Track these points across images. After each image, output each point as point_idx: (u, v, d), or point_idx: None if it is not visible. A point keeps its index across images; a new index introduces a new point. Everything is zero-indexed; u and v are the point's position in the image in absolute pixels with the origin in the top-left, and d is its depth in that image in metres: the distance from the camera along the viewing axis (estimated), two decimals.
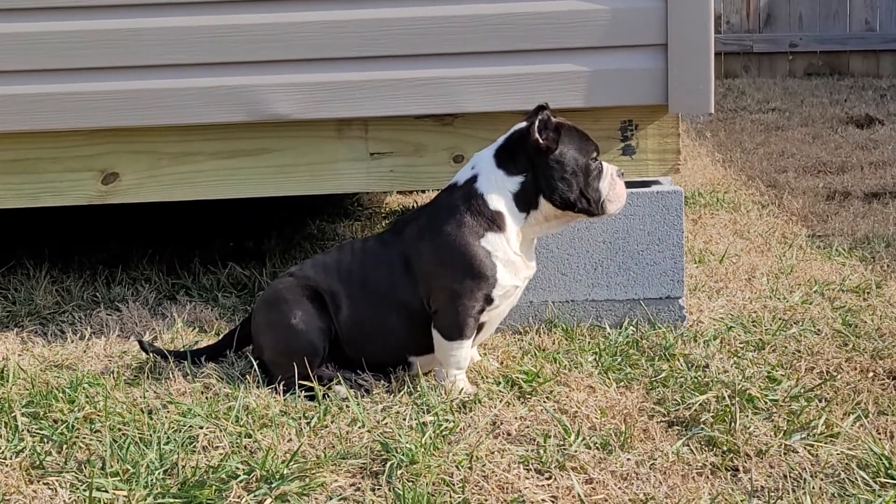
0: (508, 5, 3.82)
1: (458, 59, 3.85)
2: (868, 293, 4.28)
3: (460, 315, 3.34)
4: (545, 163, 3.35)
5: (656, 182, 4.03)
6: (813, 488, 2.76)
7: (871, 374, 3.47)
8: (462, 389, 3.36)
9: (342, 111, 3.89)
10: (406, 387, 3.40)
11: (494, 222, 3.36)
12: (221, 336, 3.71)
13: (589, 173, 3.37)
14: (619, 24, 3.82)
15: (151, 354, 3.61)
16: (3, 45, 3.81)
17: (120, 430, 3.11)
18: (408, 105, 3.88)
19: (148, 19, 3.80)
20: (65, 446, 3.03)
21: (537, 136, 3.33)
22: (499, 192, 3.38)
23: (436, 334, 3.38)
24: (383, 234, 3.57)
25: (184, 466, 2.89)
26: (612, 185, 3.40)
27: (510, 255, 3.37)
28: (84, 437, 3.07)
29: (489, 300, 3.36)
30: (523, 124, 3.39)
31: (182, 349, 3.70)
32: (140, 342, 3.62)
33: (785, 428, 3.08)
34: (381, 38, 3.83)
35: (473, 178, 3.41)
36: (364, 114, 3.90)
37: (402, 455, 2.90)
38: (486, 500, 2.75)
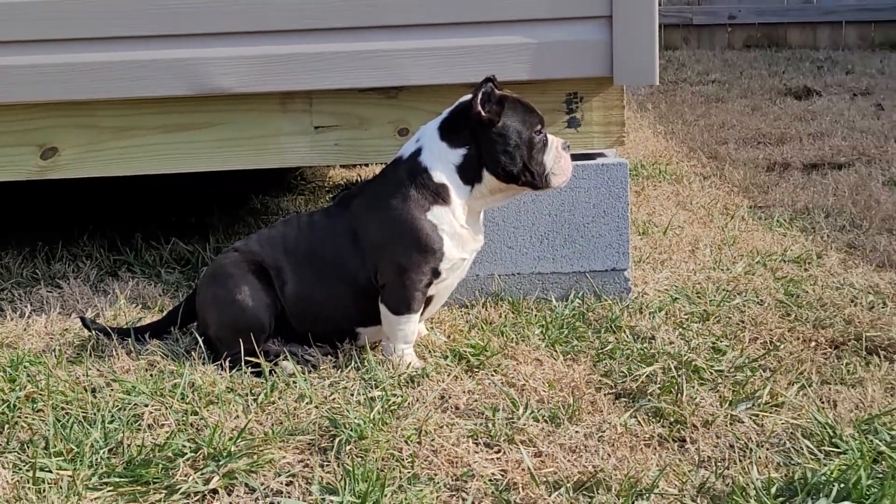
0: None
1: (404, 32, 3.82)
2: (809, 264, 4.33)
3: (408, 289, 3.33)
4: (488, 135, 3.34)
5: (601, 154, 4.04)
6: (759, 457, 2.78)
7: (813, 344, 3.51)
8: (410, 364, 3.35)
9: (286, 84, 3.84)
10: (353, 362, 3.38)
11: (439, 195, 3.34)
12: (166, 313, 3.66)
13: (533, 146, 3.36)
14: None
15: (94, 332, 3.56)
16: None
17: (63, 409, 3.06)
18: (352, 78, 3.84)
19: None
20: (6, 426, 2.98)
21: (479, 108, 3.31)
22: (443, 164, 3.36)
23: (383, 309, 3.37)
24: (330, 208, 3.54)
25: (129, 445, 2.85)
26: (557, 159, 3.39)
27: (456, 227, 3.36)
28: (26, 417, 3.02)
29: (436, 273, 3.35)
30: (468, 97, 3.38)
31: (125, 326, 3.66)
32: (82, 319, 3.57)
33: (730, 398, 3.11)
34: (325, 10, 3.79)
35: (418, 152, 3.39)
36: (308, 87, 3.86)
37: (351, 431, 2.88)
38: (435, 475, 2.75)
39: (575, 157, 3.84)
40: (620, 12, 3.80)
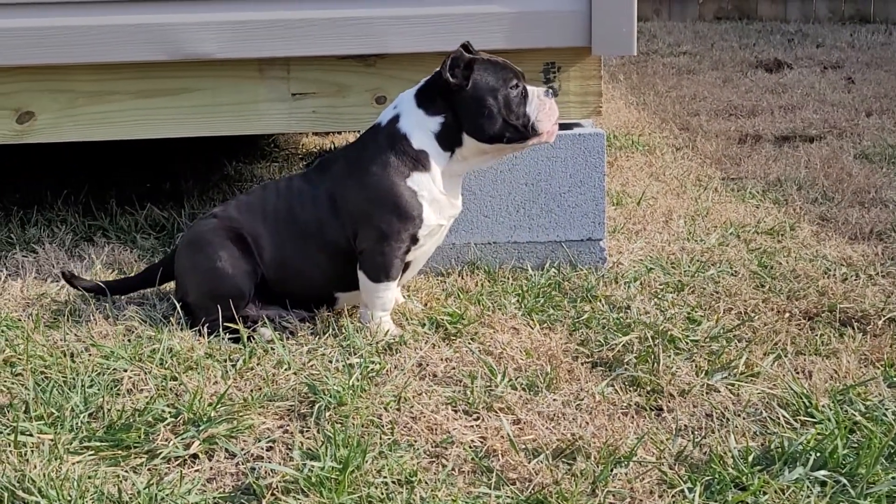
0: None
1: None
2: (782, 235, 4.36)
3: (386, 256, 3.33)
4: (462, 100, 3.33)
5: (578, 124, 4.05)
6: (736, 427, 2.82)
7: (787, 315, 3.55)
8: (388, 331, 3.36)
9: (264, 51, 3.83)
10: (331, 329, 3.39)
11: (419, 161, 3.35)
12: (143, 270, 3.66)
13: (510, 102, 3.34)
14: None
15: (77, 288, 3.56)
16: None
17: (42, 373, 3.06)
18: (330, 45, 3.83)
19: None
20: None
21: (447, 75, 3.31)
22: (421, 131, 3.37)
23: (362, 276, 3.38)
24: (308, 173, 3.54)
25: (109, 410, 2.85)
26: (540, 107, 3.37)
27: (435, 193, 3.37)
28: (5, 381, 3.02)
29: (415, 240, 3.36)
30: (437, 70, 3.37)
31: (99, 282, 3.64)
32: (63, 273, 3.58)
33: (706, 368, 3.14)
34: None
35: (396, 118, 3.39)
36: (286, 53, 3.85)
37: (330, 397, 2.90)
38: (415, 441, 2.76)
39: None
40: None
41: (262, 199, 3.48)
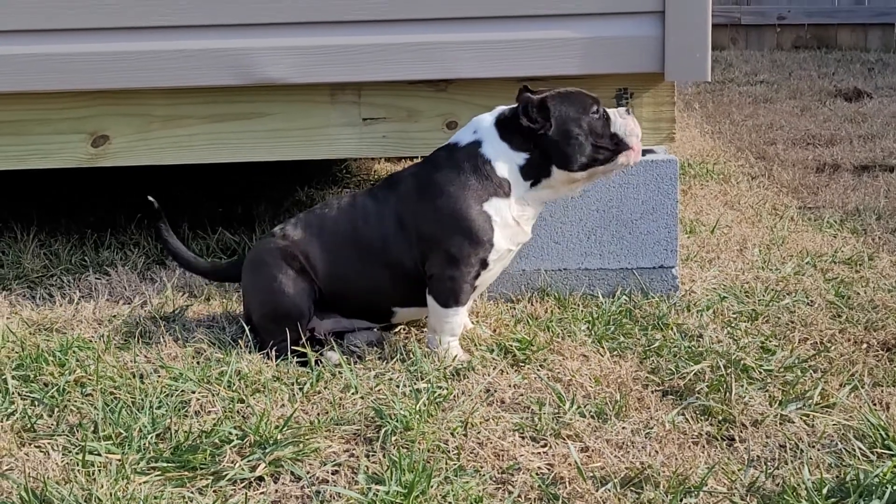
0: None
1: (453, 24, 3.81)
2: (860, 265, 4.28)
3: (456, 281, 3.32)
4: (547, 138, 3.33)
5: (651, 151, 4.01)
6: (810, 458, 2.75)
7: (864, 346, 3.47)
8: (456, 357, 3.34)
9: (335, 76, 3.84)
10: (399, 353, 3.37)
11: (500, 188, 3.34)
12: (210, 261, 3.73)
13: (594, 127, 3.33)
14: None
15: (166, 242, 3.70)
16: None
17: (112, 393, 3.08)
18: (401, 70, 3.84)
19: None
20: (56, 409, 3.00)
21: (527, 122, 3.30)
22: (506, 162, 3.35)
23: (431, 301, 3.36)
24: (375, 190, 3.52)
25: (176, 431, 2.86)
26: (624, 125, 3.37)
27: (509, 219, 3.35)
28: (75, 401, 3.04)
29: (484, 264, 3.34)
30: (515, 107, 3.36)
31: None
32: (157, 230, 3.69)
33: (780, 398, 3.08)
34: (374, 1, 3.78)
35: (478, 143, 3.37)
36: (357, 78, 3.86)
37: (397, 422, 2.88)
38: (481, 467, 2.74)
39: None
40: (673, 8, 3.77)
41: (321, 216, 3.49)
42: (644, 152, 3.98)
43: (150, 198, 3.63)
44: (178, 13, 3.77)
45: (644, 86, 3.93)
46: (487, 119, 3.40)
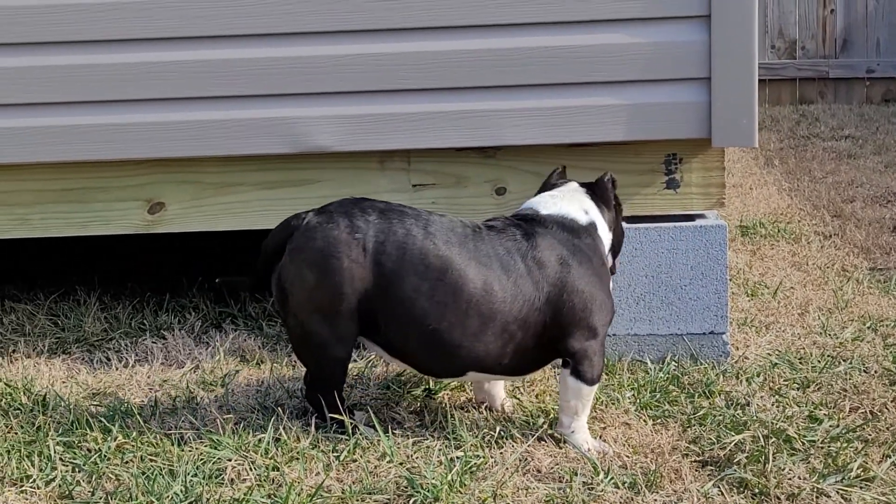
0: (550, 38, 3.79)
1: (500, 92, 3.84)
2: None
3: (599, 355, 3.25)
4: (619, 220, 3.50)
5: (701, 216, 3.98)
6: None
7: None
8: (594, 448, 3.22)
9: (384, 143, 3.90)
10: (438, 419, 3.38)
11: (606, 261, 3.41)
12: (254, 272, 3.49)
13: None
14: (661, 58, 3.78)
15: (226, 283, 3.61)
16: (56, 77, 3.87)
17: (151, 460, 3.13)
18: (449, 137, 3.88)
19: (190, 52, 3.83)
20: (94, 476, 3.06)
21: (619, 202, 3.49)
22: (607, 242, 3.42)
23: (574, 381, 3.22)
24: (507, 242, 3.27)
25: (208, 499, 2.90)
26: None
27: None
28: (114, 468, 3.10)
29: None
30: (601, 190, 3.42)
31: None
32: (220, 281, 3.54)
33: (820, 470, 3.01)
34: (422, 70, 3.83)
35: (594, 226, 3.37)
36: (406, 146, 3.91)
37: (427, 492, 2.89)
38: None
39: (674, 219, 3.90)
40: (719, 75, 3.76)
41: (413, 235, 3.20)
42: (694, 217, 3.97)
43: (218, 281, 3.55)
44: (230, 84, 3.85)
45: (692, 152, 3.91)
46: (589, 202, 3.39)
